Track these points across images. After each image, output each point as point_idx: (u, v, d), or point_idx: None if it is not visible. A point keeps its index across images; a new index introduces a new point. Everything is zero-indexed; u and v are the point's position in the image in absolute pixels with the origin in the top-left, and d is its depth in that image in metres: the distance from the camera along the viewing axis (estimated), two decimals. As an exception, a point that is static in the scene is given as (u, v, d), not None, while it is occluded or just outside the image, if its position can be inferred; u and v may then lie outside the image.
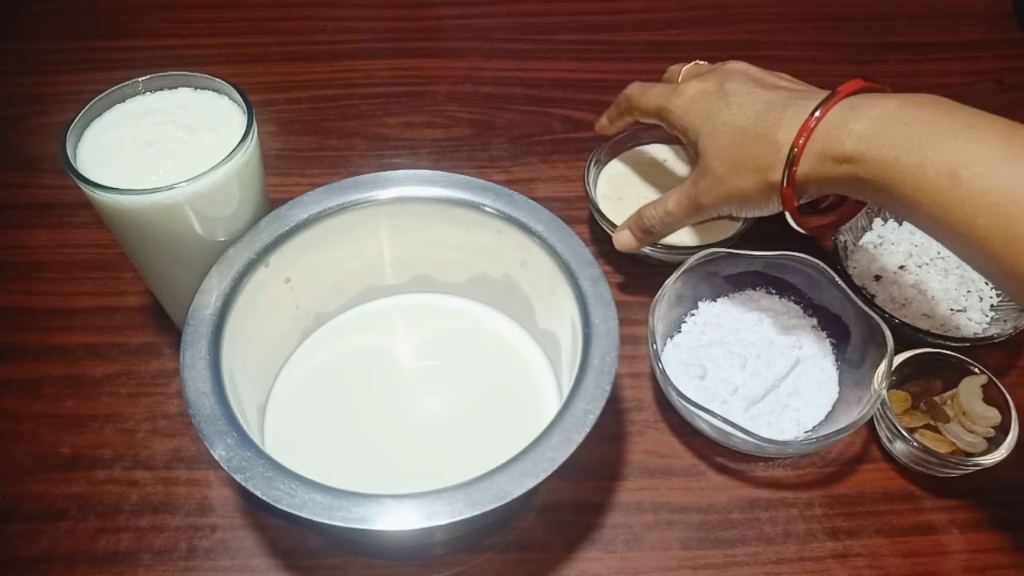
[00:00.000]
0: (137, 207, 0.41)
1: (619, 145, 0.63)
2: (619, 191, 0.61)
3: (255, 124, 0.44)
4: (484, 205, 0.48)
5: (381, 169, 0.49)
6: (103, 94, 0.45)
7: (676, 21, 0.82)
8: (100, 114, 0.45)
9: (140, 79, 0.46)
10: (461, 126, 0.72)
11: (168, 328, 0.55)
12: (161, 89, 0.47)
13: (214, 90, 0.47)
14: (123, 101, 0.46)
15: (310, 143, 0.70)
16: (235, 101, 0.46)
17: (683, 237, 0.58)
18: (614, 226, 0.57)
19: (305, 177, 0.67)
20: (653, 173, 0.62)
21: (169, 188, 0.41)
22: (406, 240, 0.51)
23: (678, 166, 0.63)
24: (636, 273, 0.61)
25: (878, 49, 0.80)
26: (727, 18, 0.83)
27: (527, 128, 0.71)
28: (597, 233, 0.63)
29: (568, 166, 0.68)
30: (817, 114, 0.44)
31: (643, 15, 0.83)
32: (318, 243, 0.48)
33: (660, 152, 0.64)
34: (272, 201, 0.49)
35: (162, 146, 0.44)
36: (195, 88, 0.47)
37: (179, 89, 0.47)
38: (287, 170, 0.67)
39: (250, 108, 0.45)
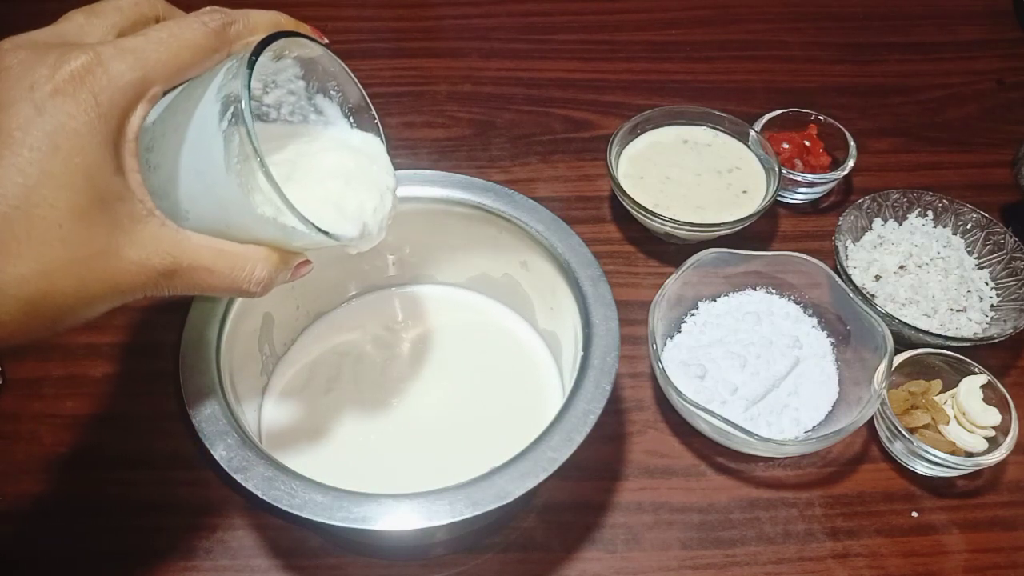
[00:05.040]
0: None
1: (639, 127, 0.65)
2: (640, 171, 0.63)
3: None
4: (484, 205, 0.48)
5: (381, 169, 0.49)
6: None
7: (676, 21, 0.82)
8: None
9: None
10: (461, 126, 0.72)
11: (168, 328, 0.55)
12: None
13: None
14: None
15: (310, 143, 0.70)
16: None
17: (698, 215, 0.60)
18: (636, 204, 0.58)
19: (305, 177, 0.67)
20: (673, 153, 0.64)
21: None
22: (406, 240, 0.51)
23: (697, 147, 0.65)
24: (636, 273, 0.61)
25: (878, 49, 0.80)
26: (727, 18, 0.83)
27: (527, 128, 0.71)
28: (603, 227, 0.63)
29: (568, 166, 0.68)
30: None
31: (643, 15, 0.83)
32: (318, 243, 0.48)
33: (679, 133, 0.66)
34: (272, 201, 0.49)
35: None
36: None
37: None
38: (287, 170, 0.67)
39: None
